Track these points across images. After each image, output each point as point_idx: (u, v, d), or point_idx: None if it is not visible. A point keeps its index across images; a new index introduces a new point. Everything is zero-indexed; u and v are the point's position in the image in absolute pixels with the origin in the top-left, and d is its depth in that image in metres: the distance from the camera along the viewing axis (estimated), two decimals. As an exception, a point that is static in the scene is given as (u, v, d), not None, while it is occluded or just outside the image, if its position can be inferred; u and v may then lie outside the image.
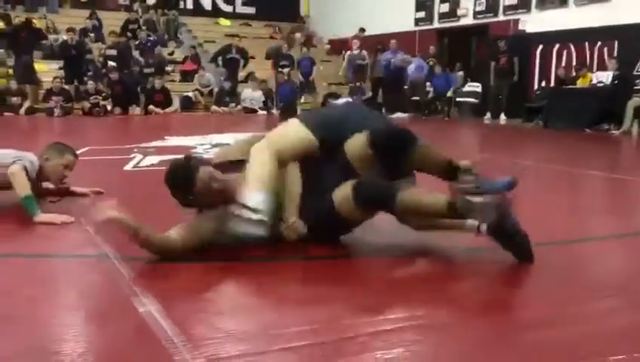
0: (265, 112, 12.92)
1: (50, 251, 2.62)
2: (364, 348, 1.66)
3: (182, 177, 2.51)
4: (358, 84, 13.71)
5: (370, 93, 13.89)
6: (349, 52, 14.33)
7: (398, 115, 12.95)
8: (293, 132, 2.59)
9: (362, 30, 14.91)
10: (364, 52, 14.06)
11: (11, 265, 2.42)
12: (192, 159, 2.62)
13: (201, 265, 2.39)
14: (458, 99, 12.95)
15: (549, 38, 11.68)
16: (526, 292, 2.21)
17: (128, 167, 5.13)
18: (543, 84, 11.84)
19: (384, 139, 2.45)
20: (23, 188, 3.00)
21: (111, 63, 12.53)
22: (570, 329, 1.80)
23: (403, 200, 2.36)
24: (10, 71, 12.21)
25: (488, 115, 12.16)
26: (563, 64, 11.45)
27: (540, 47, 11.91)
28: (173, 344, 1.65)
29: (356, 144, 2.49)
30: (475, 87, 12.75)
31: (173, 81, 13.90)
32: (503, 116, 11.94)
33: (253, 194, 2.40)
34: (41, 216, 2.97)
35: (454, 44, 14.27)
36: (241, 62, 13.74)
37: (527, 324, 1.85)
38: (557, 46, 11.61)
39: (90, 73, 12.44)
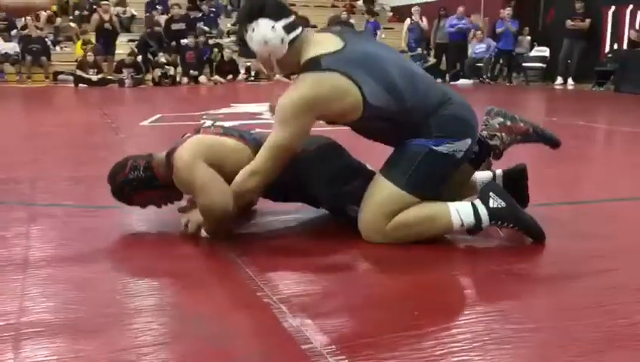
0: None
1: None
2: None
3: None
4: (419, 51, 13.56)
5: (433, 60, 13.74)
6: (408, 20, 14.16)
7: (462, 81, 12.77)
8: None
9: None
10: (424, 20, 13.85)
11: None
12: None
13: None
14: (525, 64, 12.64)
15: (621, -1, 11.23)
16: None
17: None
18: (615, 46, 11.41)
19: None
20: None
21: (184, 41, 12.69)
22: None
23: None
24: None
25: (559, 79, 11.82)
26: (637, 26, 10.99)
27: (613, 8, 11.46)
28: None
29: None
30: (543, 51, 12.40)
31: (237, 51, 14.12)
32: (570, 81, 11.59)
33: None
34: None
35: (521, 6, 13.82)
36: None
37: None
38: (630, 7, 11.15)
39: (152, 46, 12.59)
